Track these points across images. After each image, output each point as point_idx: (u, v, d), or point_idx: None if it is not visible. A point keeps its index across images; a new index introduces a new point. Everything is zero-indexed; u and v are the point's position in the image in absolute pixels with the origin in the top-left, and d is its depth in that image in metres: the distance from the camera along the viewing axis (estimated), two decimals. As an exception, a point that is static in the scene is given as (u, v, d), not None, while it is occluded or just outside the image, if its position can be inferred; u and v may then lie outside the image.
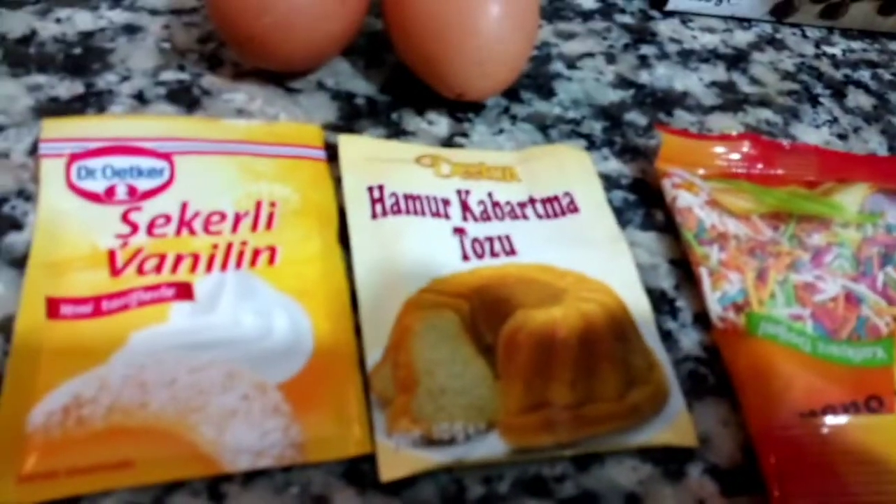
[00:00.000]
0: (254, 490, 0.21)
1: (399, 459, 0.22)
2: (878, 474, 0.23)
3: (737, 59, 0.41)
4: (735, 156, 0.33)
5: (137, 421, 0.21)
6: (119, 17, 0.35)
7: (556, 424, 0.23)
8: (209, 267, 0.25)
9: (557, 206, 0.30)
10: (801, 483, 0.23)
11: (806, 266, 0.29)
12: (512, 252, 0.28)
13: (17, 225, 0.26)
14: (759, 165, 0.33)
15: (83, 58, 0.33)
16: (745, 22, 0.44)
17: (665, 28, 0.42)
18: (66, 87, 0.31)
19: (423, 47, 0.31)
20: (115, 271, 0.24)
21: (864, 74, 0.42)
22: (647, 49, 0.40)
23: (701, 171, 0.32)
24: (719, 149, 0.33)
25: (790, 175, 0.33)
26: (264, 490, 0.21)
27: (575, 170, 0.32)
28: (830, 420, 0.24)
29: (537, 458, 0.23)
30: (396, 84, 0.34)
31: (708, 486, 0.23)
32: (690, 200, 0.31)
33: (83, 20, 0.35)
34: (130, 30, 0.35)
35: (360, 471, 0.22)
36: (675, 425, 0.24)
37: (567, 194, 0.31)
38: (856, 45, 0.44)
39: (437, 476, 0.22)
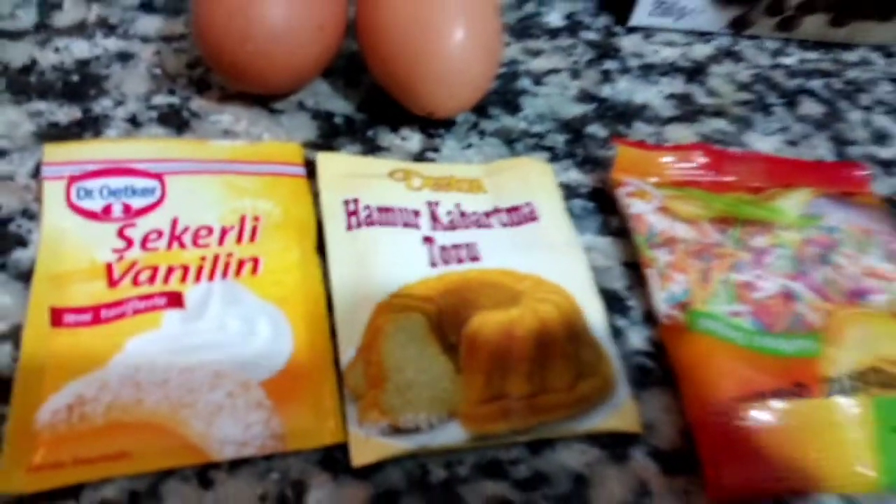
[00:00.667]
0: (239, 476, 0.24)
1: (369, 447, 0.25)
2: (802, 452, 0.26)
3: (695, 72, 0.44)
4: (687, 165, 0.36)
5: (134, 417, 0.24)
6: (113, 45, 0.38)
7: (511, 413, 0.26)
8: (198, 277, 0.28)
9: (519, 215, 0.33)
10: (733, 464, 0.25)
11: (747, 266, 0.32)
12: (476, 258, 0.30)
13: (22, 242, 0.29)
14: (710, 173, 0.36)
15: (80, 85, 0.35)
16: (704, 35, 0.46)
17: (628, 43, 0.45)
18: (65, 113, 0.34)
19: (394, 70, 0.33)
20: (112, 283, 0.27)
21: (817, 84, 0.45)
22: (610, 64, 0.43)
23: (654, 180, 0.35)
24: (672, 159, 0.36)
25: (738, 182, 0.36)
26: (248, 476, 0.24)
27: (536, 181, 0.34)
28: (760, 406, 0.26)
29: (494, 444, 0.26)
30: (372, 103, 0.37)
31: (650, 468, 0.26)
32: (642, 208, 0.33)
33: (80, 49, 0.37)
34: (123, 57, 0.37)
35: (334, 458, 0.25)
36: (621, 413, 0.27)
37: (528, 204, 0.33)
38: (810, 55, 0.47)
39: (403, 462, 0.25)
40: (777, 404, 0.26)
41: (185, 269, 0.28)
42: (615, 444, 0.26)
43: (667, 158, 0.36)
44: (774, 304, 0.30)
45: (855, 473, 0.26)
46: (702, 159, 0.36)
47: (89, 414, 0.24)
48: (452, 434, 0.25)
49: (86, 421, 0.24)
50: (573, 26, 0.45)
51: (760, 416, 0.26)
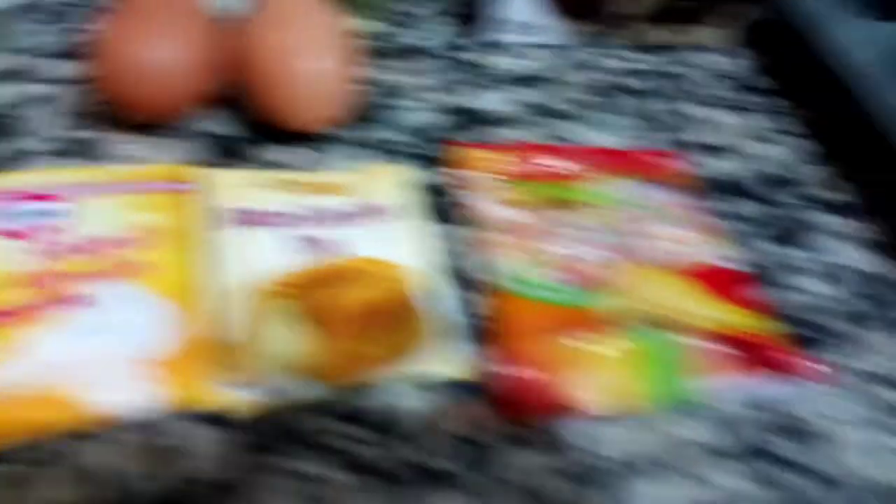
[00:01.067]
0: (137, 435, 0.30)
1: (245, 404, 0.31)
2: (587, 380, 0.32)
3: (549, 81, 0.50)
4: (527, 160, 0.42)
5: (48, 392, 0.30)
6: (37, 89, 0.44)
7: (362, 370, 0.32)
8: (105, 280, 0.34)
9: (381, 213, 0.39)
10: (535, 395, 0.32)
11: (573, 242, 0.38)
12: (344, 250, 0.37)
13: (-44, 261, 0.35)
14: (546, 166, 0.42)
15: (9, 125, 0.41)
16: (562, 48, 0.53)
17: (492, 60, 0.51)
18: (-4, 150, 0.40)
19: (263, 94, 0.40)
20: (32, 288, 0.33)
21: (658, 84, 0.51)
22: (474, 78, 0.49)
23: (498, 176, 0.41)
24: (514, 156, 0.42)
25: (572, 172, 0.42)
26: (145, 434, 0.30)
27: (397, 183, 0.41)
28: (558, 346, 0.33)
29: (349, 395, 0.32)
30: (256, 123, 0.43)
31: (477, 404, 0.32)
32: (486, 199, 0.40)
33: (7, 93, 0.43)
34: (46, 99, 0.43)
35: (215, 416, 0.31)
36: (455, 363, 0.33)
37: (389, 203, 0.39)
38: (656, 59, 0.54)
39: (273, 414, 0.31)
40: (572, 345, 0.33)
41: (95, 274, 0.34)
42: (450, 389, 0.33)
43: (509, 156, 0.42)
44: (590, 269, 0.37)
45: (618, 396, 0.32)
46: (540, 155, 0.43)
47: (12, 390, 0.30)
48: (313, 389, 0.32)
49: (9, 395, 0.29)
50: (443, 47, 0.52)
51: (557, 354, 0.33)
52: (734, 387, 0.34)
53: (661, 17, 0.54)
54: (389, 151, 0.43)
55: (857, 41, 0.50)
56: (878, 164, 0.45)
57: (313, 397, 0.31)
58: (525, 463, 0.31)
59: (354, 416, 0.32)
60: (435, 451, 0.31)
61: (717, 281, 0.37)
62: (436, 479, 0.31)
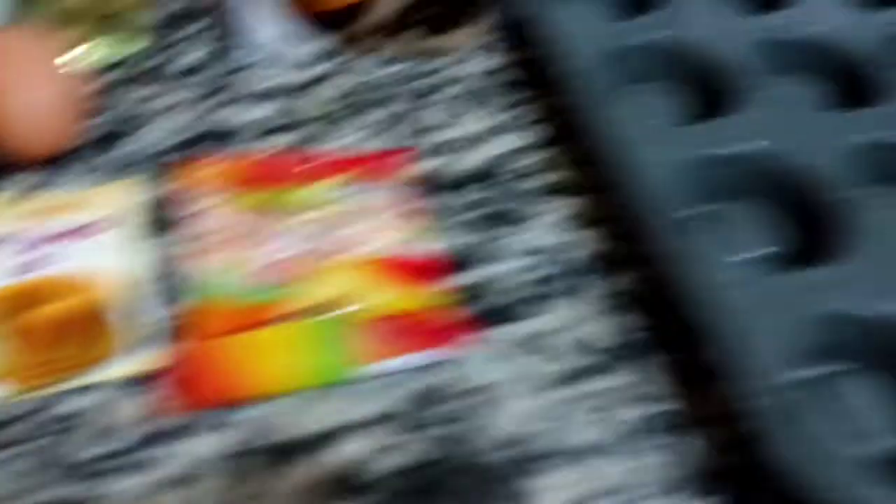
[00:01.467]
0: None
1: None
2: (261, 365, 0.37)
3: (301, 93, 0.54)
4: (255, 170, 0.46)
5: None
6: None
7: (53, 373, 0.36)
8: None
9: (100, 229, 0.42)
10: (213, 384, 0.36)
11: (276, 241, 0.42)
12: (56, 267, 0.40)
13: None
14: (272, 174, 0.46)
15: None
16: (316, 61, 0.57)
17: (247, 76, 0.55)
18: None
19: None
20: None
21: (408, 89, 0.55)
22: (224, 95, 0.53)
23: (221, 187, 0.45)
24: (243, 167, 0.46)
25: (294, 178, 0.46)
26: None
27: (123, 199, 0.44)
28: (241, 339, 0.37)
29: (38, 399, 0.35)
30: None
31: (161, 397, 0.36)
32: (207, 210, 0.43)
33: None
34: None
35: None
36: (146, 362, 0.37)
37: (110, 219, 0.43)
38: (409, 66, 0.57)
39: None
40: (254, 336, 0.37)
41: None
42: (138, 385, 0.36)
43: (240, 167, 0.46)
44: (287, 267, 0.41)
45: (294, 379, 0.37)
46: (270, 164, 0.47)
47: None
48: (4, 392, 0.35)
49: None
50: (198, 67, 0.55)
51: (238, 346, 0.37)
52: (405, 361, 0.38)
53: (414, 24, 0.58)
54: (127, 170, 0.47)
55: (582, 38, 0.55)
56: (585, 149, 0.50)
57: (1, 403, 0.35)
58: (204, 447, 0.35)
59: (43, 418, 0.35)
60: (119, 441, 0.35)
61: (407, 269, 0.41)
62: (119, 468, 0.34)
